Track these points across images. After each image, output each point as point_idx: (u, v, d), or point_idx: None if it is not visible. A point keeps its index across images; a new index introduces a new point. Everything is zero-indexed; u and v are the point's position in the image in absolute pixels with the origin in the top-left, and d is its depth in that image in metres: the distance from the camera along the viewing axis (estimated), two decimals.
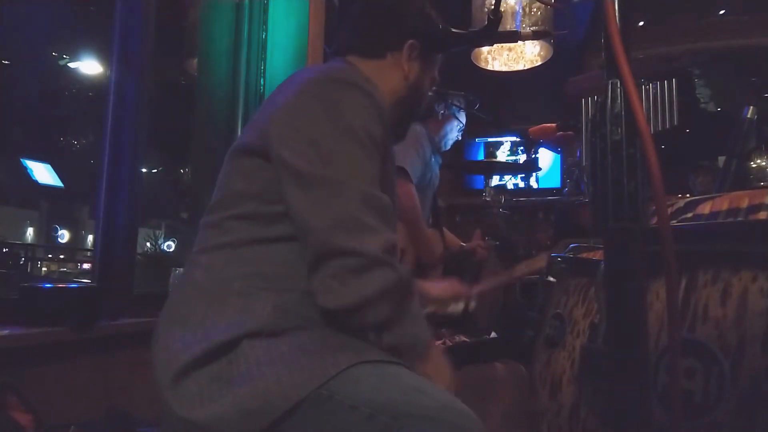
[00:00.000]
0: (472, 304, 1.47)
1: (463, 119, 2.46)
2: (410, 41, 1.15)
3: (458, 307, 1.45)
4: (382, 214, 0.91)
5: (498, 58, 2.31)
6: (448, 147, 2.52)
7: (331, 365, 0.84)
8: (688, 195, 1.52)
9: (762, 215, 0.97)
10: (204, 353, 0.87)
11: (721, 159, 1.45)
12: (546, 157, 4.76)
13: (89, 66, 5.95)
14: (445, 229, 2.59)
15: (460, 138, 2.52)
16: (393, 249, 0.90)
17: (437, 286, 1.46)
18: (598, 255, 1.26)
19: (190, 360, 0.87)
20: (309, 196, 0.89)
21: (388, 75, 1.15)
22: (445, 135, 2.45)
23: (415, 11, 1.18)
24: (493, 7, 1.12)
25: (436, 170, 2.47)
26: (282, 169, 0.93)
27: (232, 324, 0.89)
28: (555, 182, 4.91)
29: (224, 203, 1.01)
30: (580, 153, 1.81)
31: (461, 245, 2.57)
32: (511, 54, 2.29)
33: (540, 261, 1.61)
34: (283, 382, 0.82)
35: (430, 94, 1.28)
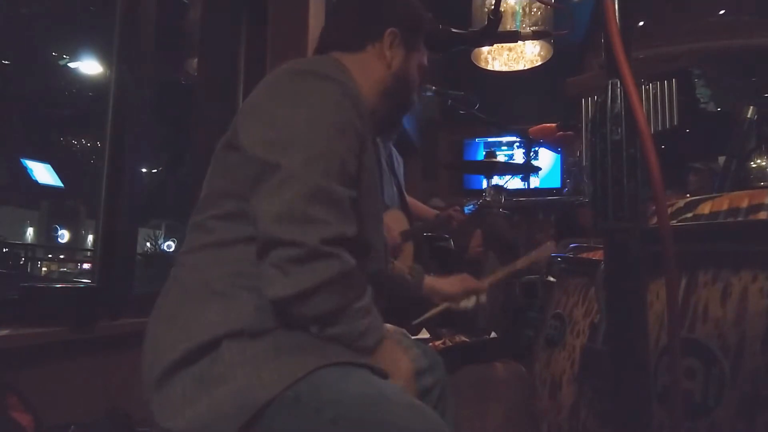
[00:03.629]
0: (483, 298, 1.47)
1: None
2: (390, 29, 1.14)
3: (470, 302, 1.45)
4: (334, 207, 0.88)
5: (498, 58, 2.31)
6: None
7: (298, 367, 0.84)
8: (688, 195, 1.51)
9: (762, 215, 0.97)
10: (187, 353, 0.87)
11: (722, 159, 1.45)
12: (546, 157, 4.76)
13: (89, 66, 5.94)
14: (416, 202, 2.59)
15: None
16: (340, 240, 0.87)
17: (448, 283, 1.46)
18: (598, 255, 1.26)
19: (173, 361, 0.87)
20: (263, 184, 0.89)
21: (371, 66, 1.14)
22: None
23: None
24: (493, 7, 1.12)
25: (381, 149, 2.45)
26: (247, 157, 0.93)
27: (214, 324, 0.88)
28: (555, 182, 4.92)
29: (207, 202, 1.01)
30: (581, 153, 1.81)
31: (436, 215, 2.57)
32: (511, 54, 2.29)
33: (548, 247, 1.60)
34: (253, 384, 0.82)
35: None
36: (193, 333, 0.89)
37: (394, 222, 2.34)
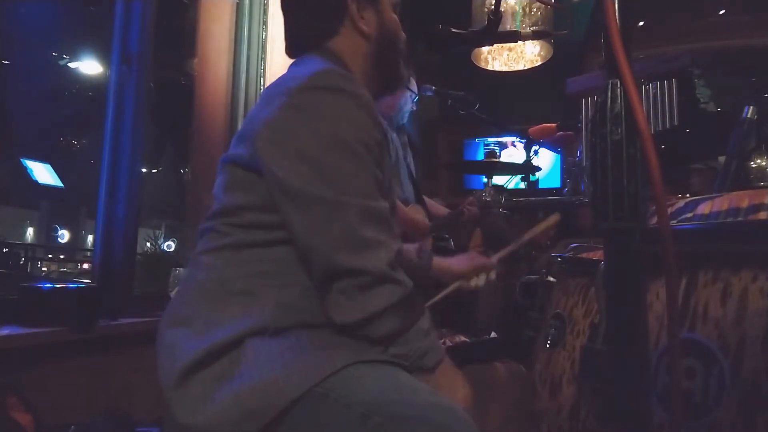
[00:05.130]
0: (493, 274, 1.47)
1: (415, 88, 2.43)
2: None
3: (480, 279, 1.45)
4: (382, 224, 0.91)
5: (498, 58, 2.31)
6: (405, 120, 2.49)
7: (327, 364, 0.84)
8: (688, 195, 1.52)
9: (762, 215, 0.97)
10: (208, 353, 0.87)
11: (722, 159, 1.45)
12: (546, 157, 4.76)
13: (89, 66, 5.94)
14: (428, 199, 2.58)
15: (415, 108, 2.49)
16: (398, 259, 0.91)
17: (459, 262, 1.45)
18: (598, 255, 1.26)
19: (194, 361, 0.87)
20: (307, 216, 0.89)
21: (353, 45, 1.10)
22: (400, 109, 2.40)
23: None
24: (493, 7, 1.11)
25: (399, 145, 2.44)
26: (275, 186, 0.92)
27: (236, 323, 0.89)
28: (555, 182, 4.91)
29: (223, 212, 1.00)
30: (580, 153, 1.81)
31: (448, 211, 2.56)
32: (511, 54, 2.29)
33: (554, 218, 1.59)
34: (280, 381, 0.83)
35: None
36: (214, 332, 0.88)
37: (417, 215, 2.34)
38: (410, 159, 2.56)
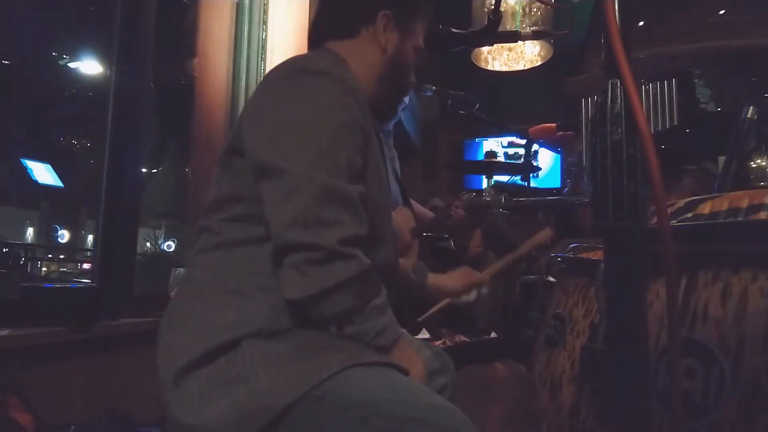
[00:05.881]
0: (484, 289, 1.48)
1: (406, 98, 2.43)
2: (383, 11, 1.10)
3: (471, 295, 1.47)
4: (345, 207, 0.89)
5: (498, 58, 2.31)
6: (391, 127, 2.49)
7: (324, 368, 0.84)
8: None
9: (762, 215, 0.97)
10: (204, 354, 0.87)
11: (721, 159, 1.45)
12: (546, 157, 4.76)
13: (89, 66, 5.94)
14: (414, 203, 2.58)
15: (402, 116, 2.49)
16: (355, 240, 0.88)
17: (451, 278, 1.47)
18: (598, 255, 1.26)
19: (190, 360, 0.87)
20: (272, 189, 0.90)
21: (366, 52, 1.11)
22: None
23: None
24: (493, 7, 1.12)
25: (392, 149, 2.43)
26: (252, 161, 0.94)
27: (232, 324, 0.89)
28: (555, 182, 4.92)
29: (216, 207, 1.01)
30: (581, 153, 1.81)
31: (433, 216, 2.56)
32: (511, 54, 2.30)
33: (546, 233, 1.61)
34: (277, 384, 0.83)
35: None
36: (210, 333, 0.89)
37: (404, 220, 2.33)
38: (396, 161, 2.56)
